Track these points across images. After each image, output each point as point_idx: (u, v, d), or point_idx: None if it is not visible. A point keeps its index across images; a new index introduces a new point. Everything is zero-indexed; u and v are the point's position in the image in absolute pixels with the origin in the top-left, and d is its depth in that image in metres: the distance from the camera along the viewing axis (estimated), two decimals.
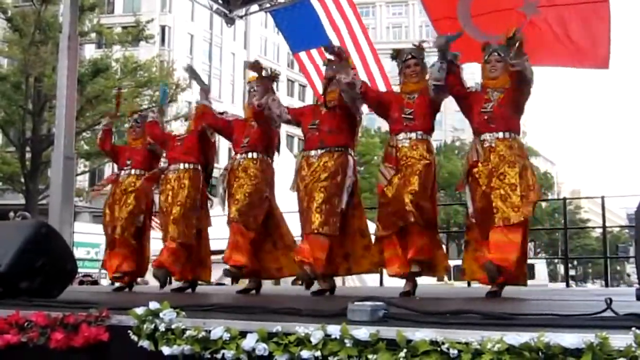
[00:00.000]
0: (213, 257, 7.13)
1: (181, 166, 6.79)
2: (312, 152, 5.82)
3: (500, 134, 5.16)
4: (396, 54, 5.73)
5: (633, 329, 2.09)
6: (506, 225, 4.95)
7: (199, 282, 7.21)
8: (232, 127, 6.67)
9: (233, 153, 6.69)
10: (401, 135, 5.44)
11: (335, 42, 10.57)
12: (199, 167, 6.88)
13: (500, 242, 4.94)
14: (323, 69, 10.24)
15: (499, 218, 4.97)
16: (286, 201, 6.49)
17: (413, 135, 5.43)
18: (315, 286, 5.84)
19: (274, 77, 6.51)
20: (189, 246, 6.64)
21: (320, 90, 9.91)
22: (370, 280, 10.94)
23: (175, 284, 7.20)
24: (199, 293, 6.72)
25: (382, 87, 10.64)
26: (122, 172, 7.41)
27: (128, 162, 7.38)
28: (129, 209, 7.11)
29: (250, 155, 6.36)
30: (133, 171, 7.32)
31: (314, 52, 10.66)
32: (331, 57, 5.88)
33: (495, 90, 5.26)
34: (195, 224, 6.73)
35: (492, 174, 5.09)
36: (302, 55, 10.88)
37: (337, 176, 5.66)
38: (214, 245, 7.15)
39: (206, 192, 7.01)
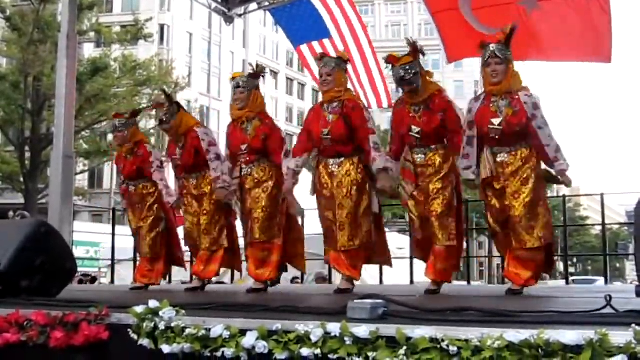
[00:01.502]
0: None
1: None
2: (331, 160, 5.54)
3: (512, 148, 4.96)
4: (388, 61, 5.34)
5: (633, 325, 2.09)
6: (524, 248, 4.89)
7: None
8: (227, 138, 6.27)
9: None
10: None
11: (336, 39, 10.66)
12: None
13: (520, 261, 4.95)
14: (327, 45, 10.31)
15: (516, 240, 4.92)
16: None
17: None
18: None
19: (257, 74, 6.23)
20: None
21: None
22: (370, 278, 10.97)
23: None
24: (198, 292, 6.71)
25: (380, 86, 10.70)
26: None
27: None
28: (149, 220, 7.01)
29: (256, 162, 6.03)
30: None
31: (315, 44, 10.71)
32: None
33: (501, 98, 4.96)
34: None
35: (505, 189, 4.96)
36: (304, 48, 10.94)
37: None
38: None
39: None
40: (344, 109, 5.41)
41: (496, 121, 4.93)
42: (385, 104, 10.69)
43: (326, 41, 10.79)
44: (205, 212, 6.47)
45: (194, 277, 6.95)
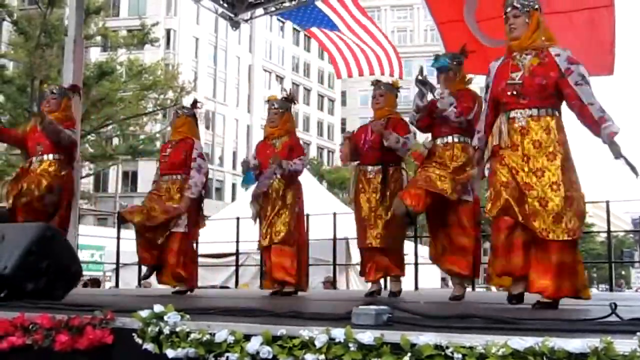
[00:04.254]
0: (214, 261, 7.20)
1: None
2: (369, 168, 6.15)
3: (535, 111, 4.11)
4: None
5: (638, 333, 2.09)
6: (548, 240, 3.93)
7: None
8: (258, 153, 6.84)
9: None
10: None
11: (345, 31, 10.94)
12: None
13: (539, 262, 4.00)
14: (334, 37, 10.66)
15: (539, 231, 3.94)
16: None
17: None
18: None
19: (291, 98, 6.90)
20: None
21: (336, 58, 10.43)
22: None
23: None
24: (203, 296, 6.72)
25: (396, 66, 11.09)
26: None
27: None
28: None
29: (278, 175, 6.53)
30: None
31: (326, 29, 11.07)
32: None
33: (524, 53, 4.19)
34: None
35: (524, 165, 4.05)
36: (314, 30, 11.23)
37: None
38: (214, 248, 7.22)
39: None
40: (388, 124, 5.98)
41: (516, 75, 4.16)
42: (397, 74, 11.07)
43: (335, 32, 11.03)
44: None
45: None
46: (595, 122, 3.97)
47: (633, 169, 3.91)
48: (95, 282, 15.09)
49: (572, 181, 4.01)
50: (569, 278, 3.96)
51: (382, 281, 6.62)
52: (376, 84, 6.36)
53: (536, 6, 4.22)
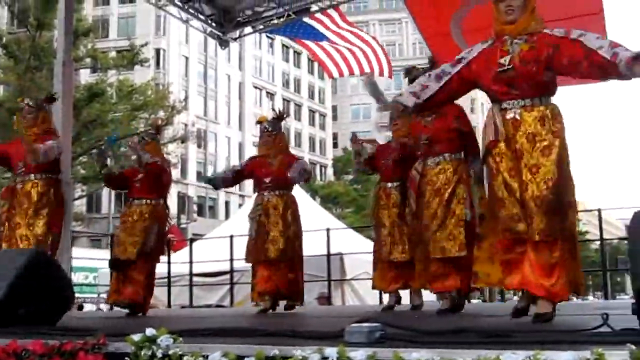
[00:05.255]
0: (209, 280, 7.21)
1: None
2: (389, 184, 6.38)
3: (528, 101, 3.83)
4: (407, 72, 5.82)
5: (628, 344, 2.10)
6: (542, 241, 3.72)
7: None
8: (252, 168, 7.00)
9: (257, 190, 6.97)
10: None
11: (334, 39, 11.06)
12: None
13: (538, 263, 3.77)
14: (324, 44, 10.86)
15: (532, 229, 3.72)
16: None
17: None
18: None
19: (281, 116, 6.99)
20: None
21: (325, 61, 10.64)
22: (369, 296, 10.97)
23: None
24: (197, 316, 6.70)
25: (385, 65, 11.23)
26: None
27: None
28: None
29: (277, 192, 6.72)
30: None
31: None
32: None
33: (516, 38, 3.90)
34: None
35: (519, 159, 3.81)
36: (304, 40, 11.40)
37: None
38: (208, 267, 7.22)
39: None
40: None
41: (505, 60, 3.87)
42: (386, 73, 11.18)
43: (324, 43, 11.14)
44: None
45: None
46: (611, 64, 3.57)
47: None
48: (79, 308, 14.97)
49: (567, 178, 3.82)
50: (567, 275, 3.75)
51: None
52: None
53: None
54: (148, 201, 6.88)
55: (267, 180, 6.72)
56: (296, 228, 6.79)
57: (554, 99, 3.96)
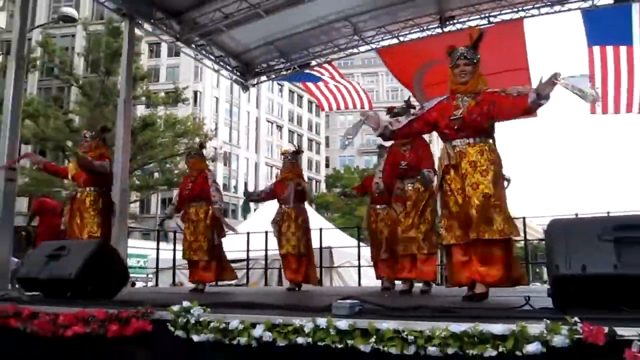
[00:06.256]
0: (232, 265, 7.18)
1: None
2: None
3: (471, 140, 3.90)
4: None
5: (544, 319, 2.10)
6: (482, 239, 3.72)
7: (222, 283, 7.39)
8: (276, 188, 7.25)
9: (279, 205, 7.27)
10: None
11: (329, 81, 11.06)
12: None
13: (476, 255, 3.80)
14: (320, 84, 10.77)
15: (473, 230, 3.73)
16: None
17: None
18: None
19: (299, 151, 7.47)
20: None
21: (320, 98, 11.51)
22: (351, 280, 10.93)
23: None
24: (221, 292, 6.66)
25: (365, 102, 11.27)
26: None
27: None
28: None
29: (292, 205, 7.00)
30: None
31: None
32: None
33: (466, 95, 3.96)
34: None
35: (464, 179, 3.85)
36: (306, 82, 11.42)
37: None
38: (230, 256, 7.23)
39: None
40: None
41: (458, 112, 3.92)
42: (367, 107, 11.21)
43: (320, 83, 11.18)
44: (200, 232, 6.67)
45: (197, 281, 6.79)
46: (526, 96, 3.66)
47: (582, 93, 3.41)
48: (132, 284, 14.84)
49: (501, 194, 3.81)
50: (507, 270, 3.75)
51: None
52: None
53: (478, 61, 4.00)
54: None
55: (284, 196, 7.06)
56: (306, 229, 7.07)
57: (491, 139, 4.00)
